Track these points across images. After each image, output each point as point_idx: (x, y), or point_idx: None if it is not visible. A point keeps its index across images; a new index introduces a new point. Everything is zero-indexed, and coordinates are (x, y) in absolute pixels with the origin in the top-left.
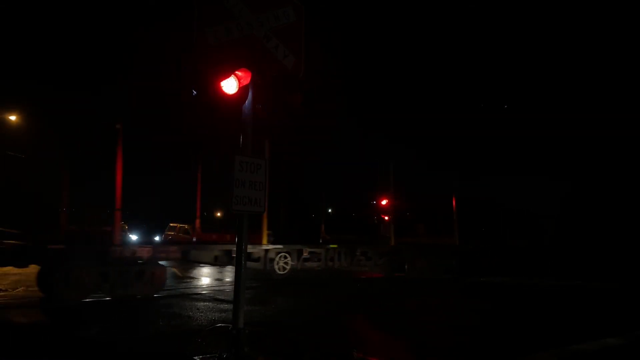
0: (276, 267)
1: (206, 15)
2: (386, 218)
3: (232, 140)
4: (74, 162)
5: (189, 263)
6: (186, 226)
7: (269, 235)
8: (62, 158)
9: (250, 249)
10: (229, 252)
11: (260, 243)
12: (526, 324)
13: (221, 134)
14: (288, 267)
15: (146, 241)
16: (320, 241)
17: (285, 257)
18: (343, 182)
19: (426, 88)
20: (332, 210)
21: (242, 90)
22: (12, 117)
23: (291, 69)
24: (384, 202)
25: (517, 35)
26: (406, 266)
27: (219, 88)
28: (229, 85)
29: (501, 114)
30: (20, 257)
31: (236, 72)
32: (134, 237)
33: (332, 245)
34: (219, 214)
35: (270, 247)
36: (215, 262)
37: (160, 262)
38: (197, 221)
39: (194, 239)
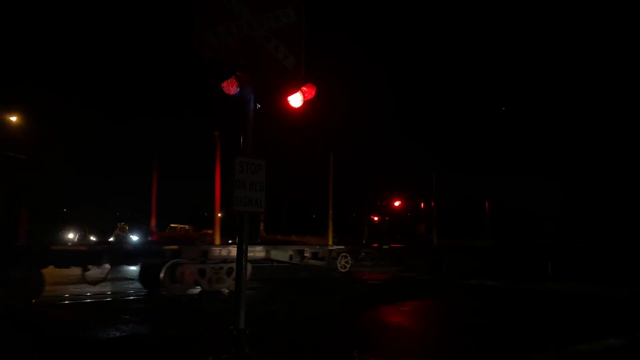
0: (339, 265)
1: (206, 16)
2: (387, 218)
3: (232, 140)
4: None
5: None
6: (187, 227)
7: (333, 237)
8: (156, 165)
9: (317, 249)
10: (302, 251)
11: (326, 244)
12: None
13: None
14: (348, 266)
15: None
16: (364, 241)
17: (346, 257)
18: (344, 182)
19: (428, 89)
20: (332, 210)
21: (243, 90)
22: (13, 118)
23: (291, 69)
24: (383, 203)
25: (516, 36)
26: (444, 266)
27: (220, 89)
28: (230, 86)
29: (501, 115)
30: (136, 256)
31: (237, 73)
32: (134, 238)
33: (384, 247)
34: (220, 215)
35: (334, 247)
36: (290, 261)
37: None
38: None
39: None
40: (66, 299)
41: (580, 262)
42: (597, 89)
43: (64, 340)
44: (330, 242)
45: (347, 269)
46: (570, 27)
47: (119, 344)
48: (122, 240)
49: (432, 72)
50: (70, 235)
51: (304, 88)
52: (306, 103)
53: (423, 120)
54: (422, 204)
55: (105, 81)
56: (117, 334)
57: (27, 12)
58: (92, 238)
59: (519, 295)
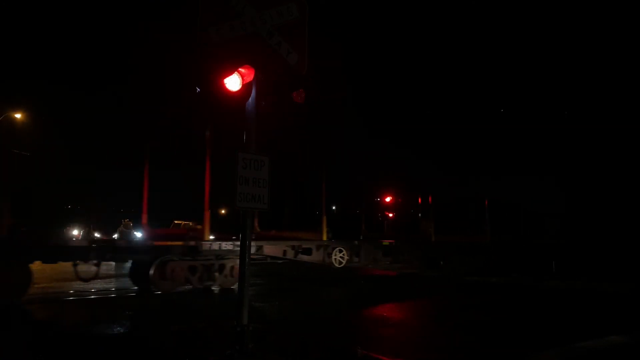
0: (333, 260)
1: (210, 13)
2: (390, 215)
3: (235, 136)
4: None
5: None
6: (190, 223)
7: (328, 231)
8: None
9: (310, 244)
10: (295, 247)
11: (320, 239)
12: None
13: (224, 130)
14: (344, 261)
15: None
16: (361, 237)
17: (341, 251)
18: (346, 179)
19: (432, 90)
20: (335, 207)
21: (246, 87)
22: (17, 115)
23: (294, 65)
24: (387, 199)
25: (520, 36)
26: (443, 263)
27: (222, 85)
28: (232, 82)
29: (503, 116)
30: (124, 253)
31: (239, 69)
32: (138, 235)
33: (384, 242)
34: (223, 211)
35: (328, 242)
36: (284, 256)
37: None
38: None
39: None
40: (70, 295)
41: (584, 260)
42: (600, 90)
43: (65, 337)
44: (324, 237)
45: (342, 264)
46: (572, 27)
47: (123, 341)
48: (126, 237)
49: (438, 71)
50: (75, 232)
51: (241, 69)
52: (306, 100)
53: (425, 121)
54: (420, 200)
55: (105, 79)
56: (121, 330)
57: (27, 11)
58: (97, 235)
59: (524, 292)
